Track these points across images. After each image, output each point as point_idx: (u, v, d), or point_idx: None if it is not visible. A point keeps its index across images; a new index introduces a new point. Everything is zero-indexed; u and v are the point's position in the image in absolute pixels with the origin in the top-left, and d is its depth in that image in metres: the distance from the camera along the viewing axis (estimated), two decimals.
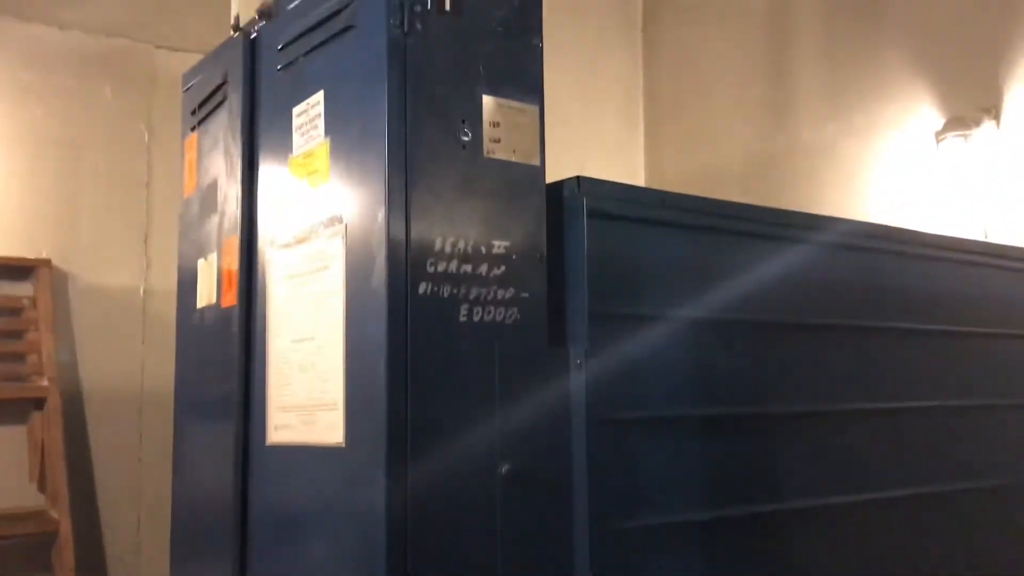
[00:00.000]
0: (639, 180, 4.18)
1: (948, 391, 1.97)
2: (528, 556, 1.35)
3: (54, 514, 2.58)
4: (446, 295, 1.32)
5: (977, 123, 2.97)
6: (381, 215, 1.28)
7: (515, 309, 1.38)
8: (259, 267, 1.60)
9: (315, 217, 1.44)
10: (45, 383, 2.64)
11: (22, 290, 2.77)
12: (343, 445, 1.33)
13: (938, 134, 3.02)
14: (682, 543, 1.48)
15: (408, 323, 1.27)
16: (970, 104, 3.02)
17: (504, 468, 1.34)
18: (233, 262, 1.64)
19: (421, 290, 1.29)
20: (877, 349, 1.84)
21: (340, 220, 1.37)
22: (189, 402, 1.90)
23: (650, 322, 1.51)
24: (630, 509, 1.43)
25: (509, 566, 1.33)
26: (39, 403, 2.66)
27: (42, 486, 2.69)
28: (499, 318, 1.36)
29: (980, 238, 2.87)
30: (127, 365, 2.96)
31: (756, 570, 1.57)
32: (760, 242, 1.68)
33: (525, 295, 1.39)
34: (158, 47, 3.12)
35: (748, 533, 1.57)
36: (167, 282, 2.96)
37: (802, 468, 1.68)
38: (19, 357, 2.72)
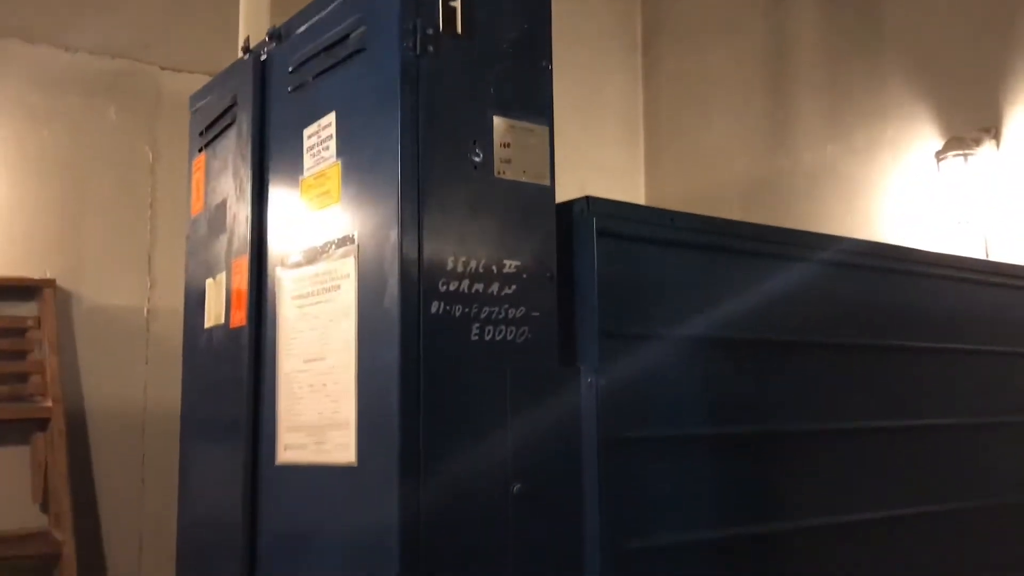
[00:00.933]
0: (640, 201, 4.20)
1: (956, 409, 1.98)
2: (539, 574, 1.35)
3: (57, 535, 2.57)
4: (458, 314, 1.33)
5: (977, 143, 3.00)
6: (394, 235, 1.29)
7: (526, 328, 1.39)
8: (269, 287, 1.60)
9: (326, 237, 1.44)
10: (49, 404, 2.64)
11: (26, 310, 2.77)
12: (355, 464, 1.33)
13: (938, 154, 3.05)
14: (693, 563, 1.48)
15: (420, 342, 1.28)
16: (970, 124, 3.05)
17: (516, 487, 1.34)
18: (243, 282, 1.65)
19: (433, 309, 1.30)
20: (883, 367, 1.85)
21: (352, 240, 1.38)
22: (196, 422, 1.90)
23: (660, 341, 1.51)
24: (641, 528, 1.43)
25: None
26: (42, 424, 2.66)
27: (45, 506, 2.68)
28: (510, 337, 1.37)
29: (981, 256, 2.89)
30: (130, 386, 2.96)
31: None
32: (768, 261, 1.69)
33: (536, 314, 1.40)
34: (163, 68, 3.15)
35: (759, 552, 1.57)
36: (170, 302, 2.97)
37: (811, 486, 1.68)
38: (23, 377, 2.71)
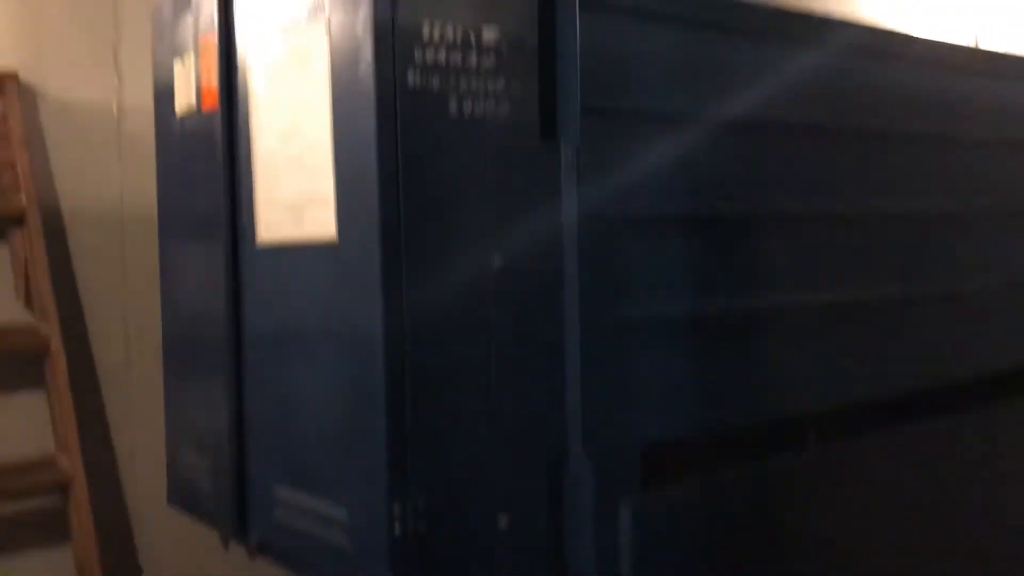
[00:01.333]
0: None
1: (933, 197, 1.99)
2: (520, 349, 1.38)
3: (43, 329, 2.60)
4: (435, 88, 1.29)
5: None
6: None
7: (506, 103, 1.36)
8: (239, 65, 1.55)
9: (296, 9, 1.38)
10: (24, 199, 2.60)
11: None
12: (336, 241, 1.33)
13: None
14: (666, 336, 1.52)
15: (398, 114, 1.25)
16: None
17: (497, 262, 1.35)
18: (212, 60, 1.59)
19: (410, 81, 1.26)
20: (864, 152, 1.84)
21: (323, 9, 1.32)
22: (174, 217, 1.88)
23: (642, 119, 1.49)
24: (618, 303, 1.46)
25: (502, 358, 1.36)
26: (19, 220, 2.63)
27: (28, 304, 2.70)
28: (490, 112, 1.34)
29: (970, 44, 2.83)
30: (105, 185, 2.91)
31: (733, 361, 1.62)
32: (754, 41, 1.64)
33: (516, 88, 1.36)
34: None
35: (728, 328, 1.61)
36: (139, 100, 2.87)
37: (785, 268, 1.71)
38: None
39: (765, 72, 1.66)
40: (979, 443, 2.08)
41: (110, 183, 2.90)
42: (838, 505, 1.75)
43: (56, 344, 2.57)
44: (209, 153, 1.63)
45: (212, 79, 1.59)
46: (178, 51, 1.75)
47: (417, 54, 1.26)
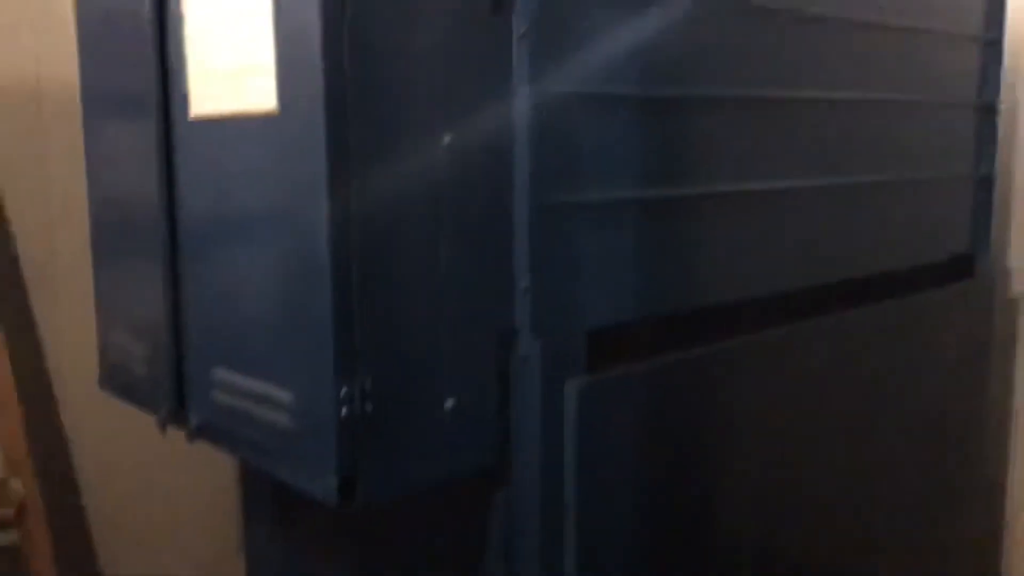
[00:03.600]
0: None
1: (870, 85, 1.99)
2: (470, 231, 1.36)
3: None
4: None
5: None
6: None
7: None
8: None
9: None
10: None
11: None
12: (276, 112, 1.27)
13: None
14: (614, 218, 1.51)
15: None
16: None
17: (446, 139, 1.31)
18: None
19: None
20: (799, 38, 1.82)
21: None
22: (98, 89, 1.77)
23: None
24: (567, 184, 1.44)
25: (451, 237, 1.33)
26: None
27: None
28: None
29: None
30: (19, 57, 2.74)
31: (677, 246, 1.63)
32: None
33: None
34: None
35: (673, 213, 1.61)
36: None
37: (729, 153, 1.70)
38: None
39: None
40: (906, 332, 2.14)
41: (25, 53, 2.73)
42: (771, 392, 1.80)
43: None
44: (136, 21, 1.53)
45: None
46: None
47: None
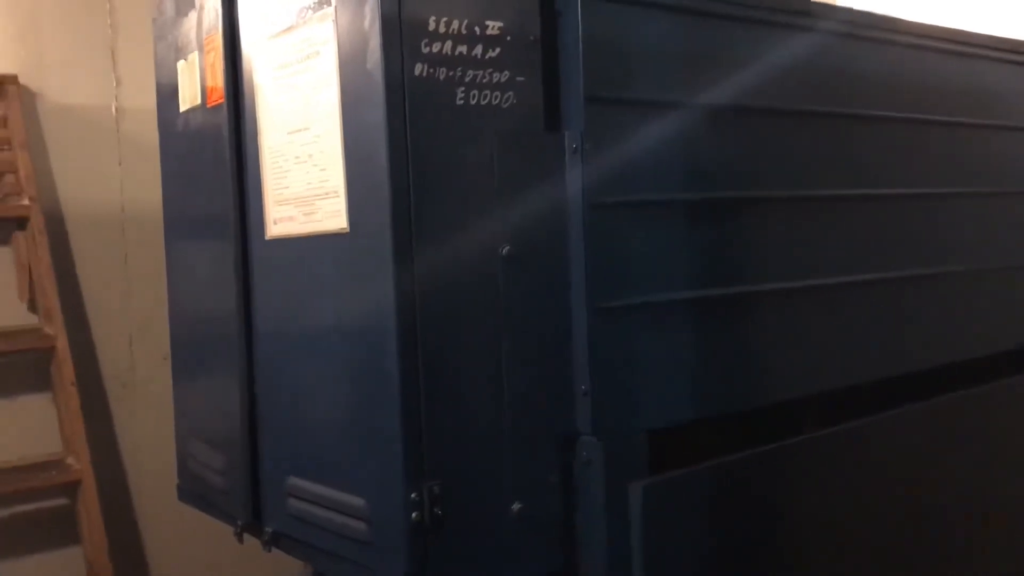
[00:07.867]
0: None
1: (925, 181, 2.01)
2: (528, 334, 1.40)
3: (49, 331, 2.62)
4: (442, 78, 1.31)
5: None
6: None
7: (511, 93, 1.38)
8: (244, 62, 1.57)
9: (301, 2, 1.40)
10: (26, 202, 2.61)
11: None
12: (347, 230, 1.35)
13: None
14: (669, 319, 1.54)
15: (406, 105, 1.27)
16: None
17: (505, 249, 1.37)
18: (217, 58, 1.61)
19: (417, 72, 1.28)
20: (867, 138, 1.86)
21: (329, 3, 1.34)
22: (180, 214, 1.89)
23: (644, 107, 1.51)
24: (623, 287, 1.48)
25: (511, 343, 1.38)
26: (21, 223, 2.65)
27: (32, 306, 2.71)
28: (495, 101, 1.36)
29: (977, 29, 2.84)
30: (105, 188, 2.92)
31: (735, 344, 1.65)
32: (755, 28, 1.66)
33: (520, 78, 1.38)
34: None
35: (730, 312, 1.63)
36: (137, 101, 2.89)
37: (785, 251, 1.73)
38: None
39: (760, 58, 1.68)
40: (974, 424, 2.10)
41: (110, 184, 2.91)
42: (837, 486, 1.78)
43: (62, 345, 2.59)
44: (215, 150, 1.65)
45: (217, 77, 1.61)
46: (181, 50, 1.77)
47: (424, 46, 1.28)
